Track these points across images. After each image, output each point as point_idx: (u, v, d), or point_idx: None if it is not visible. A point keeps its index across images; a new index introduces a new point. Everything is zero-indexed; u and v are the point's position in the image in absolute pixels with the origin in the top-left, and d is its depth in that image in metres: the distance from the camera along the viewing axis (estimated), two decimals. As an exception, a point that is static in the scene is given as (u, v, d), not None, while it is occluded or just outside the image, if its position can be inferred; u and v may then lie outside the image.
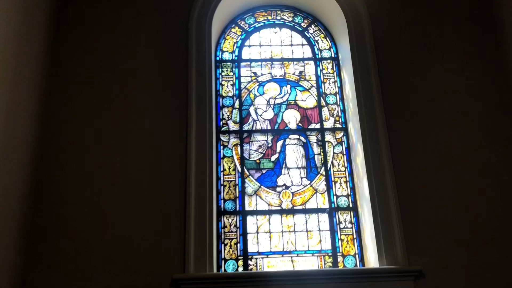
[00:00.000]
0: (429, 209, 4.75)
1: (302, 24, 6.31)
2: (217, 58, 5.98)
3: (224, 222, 5.12)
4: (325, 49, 6.18)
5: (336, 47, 6.19)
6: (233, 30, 6.19)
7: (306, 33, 6.26)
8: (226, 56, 6.02)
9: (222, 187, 5.29)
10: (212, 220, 4.71)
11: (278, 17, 6.35)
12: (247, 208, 5.22)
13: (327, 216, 5.23)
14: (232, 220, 5.14)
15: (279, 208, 5.26)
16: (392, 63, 5.45)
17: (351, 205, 5.31)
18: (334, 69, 6.06)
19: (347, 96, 5.69)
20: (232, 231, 5.10)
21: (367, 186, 4.86)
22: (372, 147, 4.98)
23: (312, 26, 6.31)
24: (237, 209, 5.19)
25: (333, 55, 6.15)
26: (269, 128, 5.68)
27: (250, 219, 5.18)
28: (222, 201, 5.22)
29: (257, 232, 5.12)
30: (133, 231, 4.55)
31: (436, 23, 5.67)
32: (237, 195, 5.26)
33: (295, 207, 5.28)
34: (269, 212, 5.22)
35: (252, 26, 6.24)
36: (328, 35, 6.27)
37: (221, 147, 5.49)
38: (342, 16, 5.76)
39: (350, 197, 5.36)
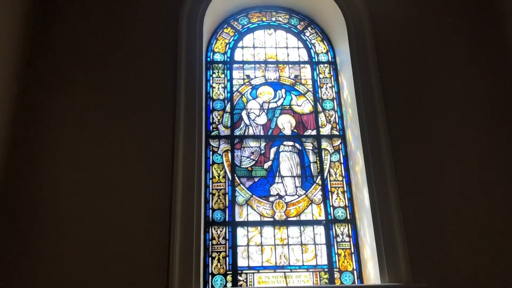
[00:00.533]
0: (435, 222, 4.41)
1: (298, 27, 6.01)
2: (208, 59, 5.64)
3: (212, 234, 4.72)
4: (322, 52, 5.89)
5: (333, 51, 5.89)
6: (225, 30, 5.86)
7: (302, 35, 5.96)
8: (218, 57, 5.69)
9: (210, 195, 4.90)
10: (199, 231, 4.31)
11: (273, 19, 6.04)
12: (237, 218, 4.83)
13: (323, 229, 4.87)
14: (221, 231, 4.75)
15: (271, 219, 4.88)
16: (394, 67, 5.16)
17: (349, 217, 4.95)
18: (332, 74, 5.76)
19: (346, 101, 5.37)
20: (220, 244, 4.70)
21: (368, 196, 4.50)
22: (373, 155, 4.64)
23: (309, 28, 6.01)
24: (227, 219, 4.80)
25: (330, 59, 5.85)
26: (262, 133, 5.32)
27: (240, 231, 4.79)
28: (211, 210, 4.83)
29: (248, 245, 4.73)
30: (114, 243, 4.14)
31: (439, 24, 5.42)
32: (227, 204, 4.88)
33: (289, 219, 4.90)
34: (261, 224, 4.84)
35: (245, 27, 5.93)
36: (325, 38, 5.98)
37: (211, 153, 5.12)
38: (341, 18, 5.47)
39: (348, 209, 5.00)
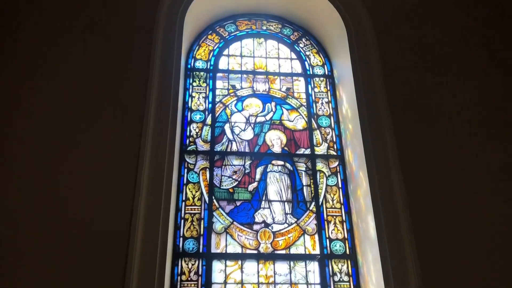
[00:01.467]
0: (456, 255, 3.58)
1: (291, 37, 5.37)
2: (189, 66, 4.92)
3: (181, 268, 3.85)
4: (317, 65, 5.22)
5: (330, 64, 5.23)
6: (210, 37, 5.19)
7: (295, 46, 5.31)
8: (200, 64, 4.97)
9: (182, 221, 4.06)
10: (163, 264, 3.44)
11: (264, 27, 5.40)
12: (213, 249, 3.97)
13: (317, 265, 4.02)
14: (192, 265, 3.87)
15: (255, 251, 4.03)
16: (401, 77, 4.47)
17: (348, 252, 4.12)
18: (328, 88, 5.07)
19: (345, 117, 4.65)
20: (191, 280, 3.82)
21: (373, 224, 3.70)
22: (380, 175, 3.88)
23: (303, 39, 5.37)
24: (201, 250, 3.94)
25: (327, 73, 5.17)
26: (247, 150, 4.55)
27: (217, 265, 3.93)
28: (181, 239, 3.97)
29: (226, 283, 3.85)
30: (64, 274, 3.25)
31: (447, 33, 4.79)
32: (202, 232, 4.03)
33: (276, 251, 4.05)
34: (243, 257, 3.98)
35: (232, 34, 5.27)
36: (321, 50, 5.33)
37: (185, 170, 4.31)
38: (340, 25, 4.84)
39: (347, 242, 4.18)
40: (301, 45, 5.34)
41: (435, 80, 4.50)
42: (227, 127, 4.64)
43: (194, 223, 4.06)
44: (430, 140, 4.14)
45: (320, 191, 4.41)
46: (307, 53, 5.29)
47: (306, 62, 5.22)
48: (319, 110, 4.90)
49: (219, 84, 4.91)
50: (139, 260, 3.35)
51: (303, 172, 4.51)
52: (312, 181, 4.46)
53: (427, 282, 3.42)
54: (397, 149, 3.96)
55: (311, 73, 5.14)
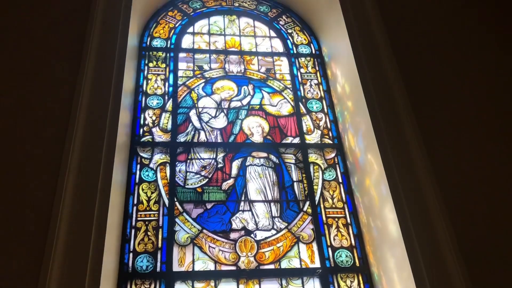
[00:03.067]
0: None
1: (270, 14, 4.50)
2: (144, 45, 3.97)
3: (131, 294, 2.75)
4: (302, 43, 4.33)
5: (317, 42, 4.33)
6: (170, 13, 4.28)
7: (275, 24, 4.42)
8: (158, 43, 4.02)
9: (133, 230, 2.98)
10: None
11: (236, 4, 4.52)
12: (176, 267, 2.90)
13: (318, 283, 2.97)
14: (146, 289, 2.78)
15: (234, 267, 2.96)
16: (409, 42, 3.57)
17: (358, 263, 3.08)
18: (317, 69, 4.16)
19: (341, 97, 3.73)
20: (145, 311, 2.72)
21: (394, 219, 2.68)
22: (398, 153, 2.88)
23: (283, 16, 4.51)
24: (158, 269, 2.86)
25: (314, 52, 4.27)
26: (220, 140, 3.54)
27: (181, 289, 2.84)
28: (131, 255, 2.88)
29: (193, 313, 2.76)
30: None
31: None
32: (160, 245, 2.95)
33: (262, 267, 2.99)
34: (217, 275, 2.91)
35: (198, 11, 4.37)
36: (306, 28, 4.46)
37: (138, 166, 3.28)
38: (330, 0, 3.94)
39: (355, 250, 3.15)
40: (282, 23, 4.46)
41: (449, 37, 3.61)
42: (192, 114, 3.65)
43: (149, 233, 2.99)
44: (449, 101, 3.20)
45: (315, 187, 3.41)
46: (289, 31, 4.41)
47: (288, 41, 4.32)
48: (307, 93, 3.97)
49: (182, 65, 3.97)
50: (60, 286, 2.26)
51: (292, 165, 3.52)
52: (304, 175, 3.46)
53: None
54: (415, 119, 2.99)
55: (295, 52, 4.24)
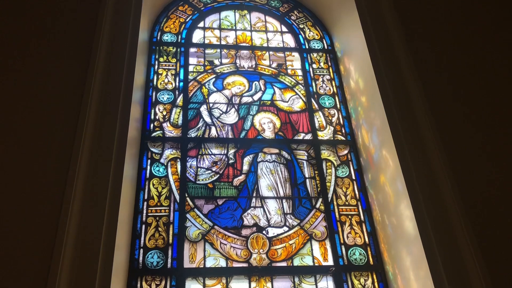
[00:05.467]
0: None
1: (281, 9, 4.44)
2: (154, 40, 3.93)
3: (142, 290, 2.71)
4: (314, 39, 4.27)
5: (330, 37, 4.27)
6: (181, 8, 4.24)
7: (286, 19, 4.37)
8: (168, 38, 3.98)
9: (143, 226, 2.94)
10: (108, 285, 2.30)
11: (247, -1, 4.47)
12: (187, 264, 2.86)
13: (332, 281, 2.91)
14: (157, 286, 2.74)
15: (246, 264, 2.91)
16: (426, 34, 3.49)
17: (372, 262, 3.02)
18: (330, 64, 4.10)
19: (354, 92, 3.67)
20: (156, 308, 2.68)
21: (411, 215, 2.62)
22: (414, 148, 2.81)
23: (295, 12, 4.45)
24: (169, 265, 2.82)
25: (326, 47, 4.21)
26: (231, 136, 3.49)
27: (192, 285, 2.80)
28: (141, 250, 2.84)
29: (205, 310, 2.71)
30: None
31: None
32: (171, 240, 2.91)
33: (274, 264, 2.93)
34: (228, 272, 2.86)
35: (209, 5, 4.32)
36: (318, 23, 4.40)
37: (148, 161, 3.23)
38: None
39: (369, 248, 3.09)
40: (293, 18, 4.40)
41: (466, 31, 3.54)
42: (203, 109, 3.61)
43: (159, 229, 2.95)
44: (466, 96, 3.13)
45: (328, 184, 3.35)
46: (301, 26, 4.35)
47: (300, 36, 4.27)
48: (319, 89, 3.91)
49: (192, 60, 3.92)
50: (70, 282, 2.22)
51: (305, 162, 3.47)
52: (317, 172, 3.40)
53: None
54: (431, 114, 2.92)
55: (307, 47, 4.18)
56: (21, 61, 2.97)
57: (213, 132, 3.50)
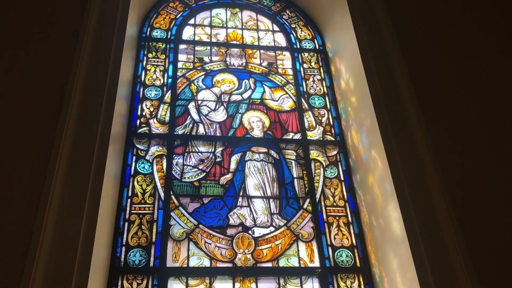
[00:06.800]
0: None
1: (273, 8, 4.40)
2: (143, 35, 3.87)
3: (123, 290, 2.64)
4: (305, 39, 4.24)
5: (321, 38, 4.23)
6: (171, 4, 4.19)
7: (278, 18, 4.33)
8: (158, 34, 3.92)
9: (126, 223, 2.87)
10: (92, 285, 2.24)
11: (239, -3, 4.42)
12: (170, 263, 2.80)
13: (317, 283, 2.86)
14: (139, 285, 2.68)
15: (230, 264, 2.85)
16: (418, 37, 3.46)
17: (359, 264, 2.98)
18: (321, 64, 4.06)
19: (344, 93, 3.63)
20: (137, 308, 2.61)
21: (398, 217, 2.58)
22: (403, 149, 2.78)
23: (287, 11, 4.41)
24: (151, 264, 2.75)
25: (317, 47, 4.17)
26: (219, 134, 3.44)
27: (174, 285, 2.73)
28: (123, 248, 2.77)
29: (187, 311, 2.65)
30: None
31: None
32: (154, 239, 2.85)
33: (260, 264, 2.88)
34: (212, 272, 2.80)
35: (200, 2, 4.27)
36: (310, 23, 4.36)
37: (133, 158, 3.17)
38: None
39: (356, 250, 3.05)
40: (285, 17, 4.36)
41: (457, 32, 3.52)
42: (191, 106, 3.55)
43: (143, 227, 2.89)
44: (456, 98, 3.11)
45: (316, 184, 3.31)
46: (293, 25, 4.32)
47: (292, 35, 4.23)
48: (310, 89, 3.87)
49: (182, 57, 3.87)
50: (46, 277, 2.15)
51: (293, 162, 3.42)
52: (305, 172, 3.36)
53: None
54: (421, 115, 2.89)
55: (298, 47, 4.14)
56: (3, 53, 2.90)
57: (201, 129, 3.44)
